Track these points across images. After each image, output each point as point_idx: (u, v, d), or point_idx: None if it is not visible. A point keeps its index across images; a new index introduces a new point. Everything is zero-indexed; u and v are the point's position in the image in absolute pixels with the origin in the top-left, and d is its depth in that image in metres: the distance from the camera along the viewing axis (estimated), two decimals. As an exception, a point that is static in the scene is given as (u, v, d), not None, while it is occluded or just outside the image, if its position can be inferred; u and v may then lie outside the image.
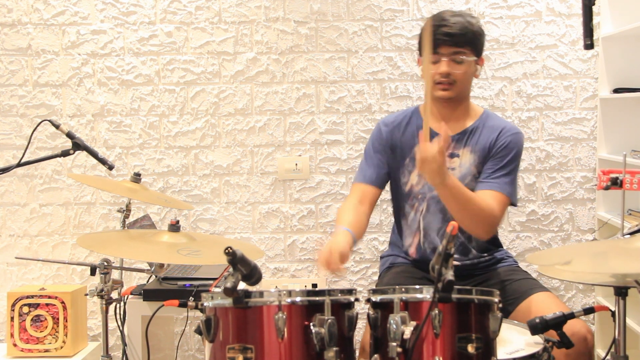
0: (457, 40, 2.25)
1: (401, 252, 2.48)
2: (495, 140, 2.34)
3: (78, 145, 2.37)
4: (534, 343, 1.81)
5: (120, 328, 2.64)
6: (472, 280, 2.36)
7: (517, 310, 2.22)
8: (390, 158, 2.42)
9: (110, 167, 2.48)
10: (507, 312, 2.18)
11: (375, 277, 3.26)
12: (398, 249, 2.50)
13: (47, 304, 2.84)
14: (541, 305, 2.16)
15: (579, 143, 3.24)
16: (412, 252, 2.43)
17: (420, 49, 2.39)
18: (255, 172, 3.28)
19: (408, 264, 2.46)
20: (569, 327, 1.79)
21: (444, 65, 2.26)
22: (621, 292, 1.74)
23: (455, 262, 2.23)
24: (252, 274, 1.53)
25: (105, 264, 2.20)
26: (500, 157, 2.32)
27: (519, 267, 2.46)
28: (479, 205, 2.19)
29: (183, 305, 1.92)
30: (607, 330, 3.11)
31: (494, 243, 2.47)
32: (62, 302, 2.84)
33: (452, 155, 2.36)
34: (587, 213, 3.25)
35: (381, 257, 2.62)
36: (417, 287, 1.56)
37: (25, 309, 2.84)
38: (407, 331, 1.50)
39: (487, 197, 2.24)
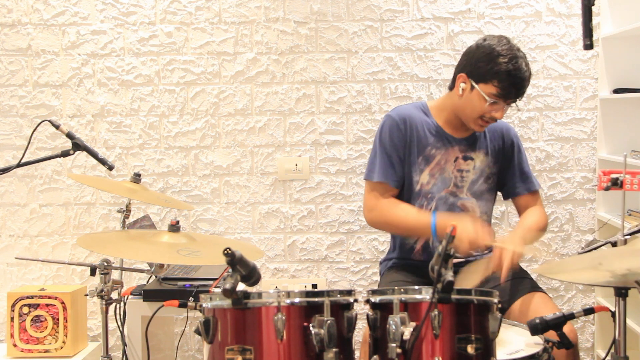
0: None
1: (406, 253, 2.46)
2: (503, 142, 2.46)
3: (78, 146, 2.37)
4: (533, 343, 1.81)
5: (120, 328, 2.64)
6: None
7: (510, 309, 2.22)
8: (405, 154, 2.39)
9: (110, 168, 2.48)
10: (501, 311, 2.19)
11: (375, 278, 3.26)
12: (400, 250, 2.49)
13: (47, 304, 2.84)
14: (533, 306, 2.16)
15: (579, 143, 3.24)
16: (418, 249, 2.42)
17: (474, 71, 2.28)
18: (255, 173, 3.28)
19: (412, 265, 2.45)
20: None
21: (501, 113, 2.30)
22: (621, 292, 1.73)
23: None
24: (251, 275, 1.53)
25: (105, 264, 2.20)
26: (516, 154, 2.47)
27: (519, 265, 2.46)
28: (544, 225, 2.44)
29: (183, 305, 1.93)
30: (607, 331, 3.11)
31: None
32: (62, 303, 2.84)
33: (465, 158, 2.40)
34: (587, 213, 3.25)
35: (381, 262, 2.60)
36: (417, 287, 1.57)
37: (25, 309, 2.84)
38: (407, 332, 1.51)
39: (534, 209, 2.45)
